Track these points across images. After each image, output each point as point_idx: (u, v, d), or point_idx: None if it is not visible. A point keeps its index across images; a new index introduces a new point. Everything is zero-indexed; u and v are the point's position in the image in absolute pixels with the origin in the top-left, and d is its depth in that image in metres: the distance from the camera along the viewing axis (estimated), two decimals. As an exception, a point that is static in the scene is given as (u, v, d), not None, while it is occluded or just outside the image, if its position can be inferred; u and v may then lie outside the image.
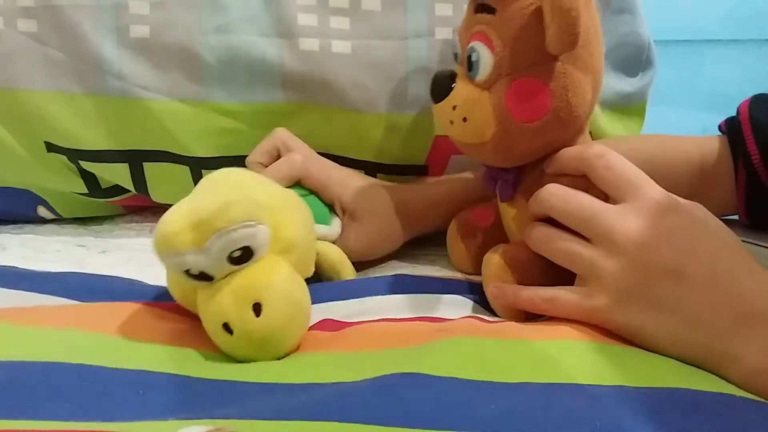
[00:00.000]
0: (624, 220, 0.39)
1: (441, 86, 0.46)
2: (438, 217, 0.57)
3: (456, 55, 0.48)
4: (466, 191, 0.58)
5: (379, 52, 0.58)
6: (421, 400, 0.32)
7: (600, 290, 0.40)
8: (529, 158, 0.47)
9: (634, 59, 0.65)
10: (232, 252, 0.37)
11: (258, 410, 0.31)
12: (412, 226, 0.57)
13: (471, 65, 0.45)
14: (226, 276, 0.38)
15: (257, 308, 0.37)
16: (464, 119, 0.45)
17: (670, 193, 0.40)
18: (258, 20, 0.58)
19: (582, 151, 0.43)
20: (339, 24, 0.58)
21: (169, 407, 0.32)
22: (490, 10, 0.44)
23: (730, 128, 0.57)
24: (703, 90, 1.26)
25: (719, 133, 0.59)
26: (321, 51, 0.58)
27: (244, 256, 0.38)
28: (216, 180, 0.41)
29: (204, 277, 0.38)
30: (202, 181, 0.41)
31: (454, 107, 0.45)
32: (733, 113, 0.59)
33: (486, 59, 0.44)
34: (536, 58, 0.43)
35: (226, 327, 0.38)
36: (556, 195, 0.43)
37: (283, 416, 0.31)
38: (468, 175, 0.60)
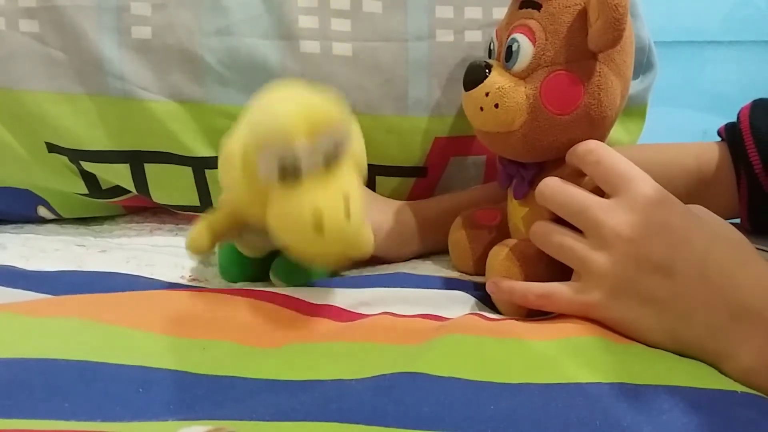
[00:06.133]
0: (613, 215, 0.40)
1: (476, 74, 0.47)
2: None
3: (491, 52, 0.49)
4: (488, 198, 0.58)
5: (380, 54, 0.58)
6: (421, 401, 0.32)
7: (593, 285, 0.40)
8: (552, 154, 0.47)
9: (635, 62, 0.65)
10: (329, 149, 0.38)
11: (258, 410, 0.31)
12: (427, 231, 0.58)
13: (510, 55, 0.46)
14: (310, 178, 0.39)
15: (347, 209, 0.39)
16: (496, 105, 0.46)
17: (661, 187, 0.40)
18: (259, 22, 0.58)
19: (575, 147, 0.43)
20: (340, 26, 0.58)
21: (169, 406, 0.33)
22: (536, 6, 0.46)
23: (731, 135, 0.57)
24: (704, 91, 1.26)
25: (718, 138, 0.59)
26: (322, 53, 0.58)
27: (333, 156, 0.39)
28: (292, 91, 0.41)
29: (292, 176, 0.38)
30: (271, 92, 0.41)
31: (487, 94, 0.46)
32: (734, 115, 0.59)
33: (526, 49, 0.45)
34: (576, 55, 0.45)
35: (316, 226, 0.38)
36: (550, 187, 0.43)
37: (283, 417, 0.31)
38: (478, 187, 0.61)
